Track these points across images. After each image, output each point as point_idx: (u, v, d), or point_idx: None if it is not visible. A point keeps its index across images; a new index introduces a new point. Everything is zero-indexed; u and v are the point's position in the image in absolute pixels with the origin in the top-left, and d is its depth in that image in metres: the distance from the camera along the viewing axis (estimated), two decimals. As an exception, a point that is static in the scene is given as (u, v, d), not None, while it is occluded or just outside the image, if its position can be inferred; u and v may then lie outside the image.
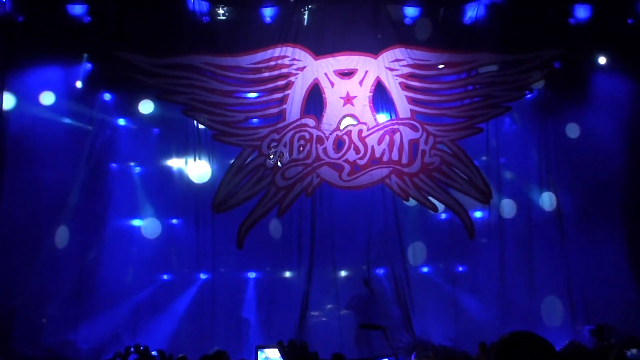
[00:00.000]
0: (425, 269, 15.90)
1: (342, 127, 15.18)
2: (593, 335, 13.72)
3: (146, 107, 15.47)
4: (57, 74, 14.95)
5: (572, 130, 15.70)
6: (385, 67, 15.28)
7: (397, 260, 15.30)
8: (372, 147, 15.16)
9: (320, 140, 15.16)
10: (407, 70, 15.31)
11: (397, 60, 15.29)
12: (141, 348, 12.50)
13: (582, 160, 15.62)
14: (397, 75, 15.29)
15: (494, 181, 15.62)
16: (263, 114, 15.46)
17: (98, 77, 15.26)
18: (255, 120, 15.51)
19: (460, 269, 15.82)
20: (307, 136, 15.19)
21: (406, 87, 15.35)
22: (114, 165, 15.72)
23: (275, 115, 15.34)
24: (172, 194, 15.80)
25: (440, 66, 15.37)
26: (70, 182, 14.87)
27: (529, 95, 15.78)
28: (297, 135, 15.19)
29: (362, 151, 15.14)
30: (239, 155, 15.21)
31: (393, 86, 15.31)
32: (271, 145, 15.14)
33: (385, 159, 15.19)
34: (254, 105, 15.43)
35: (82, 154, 15.08)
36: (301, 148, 15.16)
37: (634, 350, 8.26)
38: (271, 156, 14.95)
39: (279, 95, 15.27)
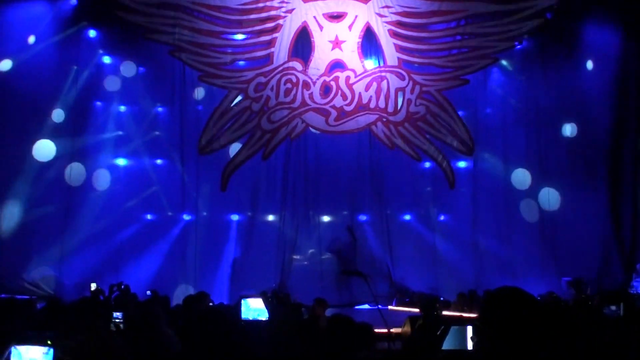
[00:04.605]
0: (407, 217, 16.06)
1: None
2: (570, 286, 13.95)
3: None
4: (41, 10, 14.60)
5: (562, 82, 15.63)
6: (375, 12, 15.12)
7: (379, 207, 15.46)
8: (360, 94, 15.12)
9: (306, 85, 15.07)
10: (395, 17, 15.16)
11: (387, 6, 15.12)
12: (122, 287, 12.59)
13: (570, 111, 15.64)
14: (386, 22, 15.15)
15: (480, 131, 15.66)
16: (250, 56, 15.31)
17: (83, 13, 14.90)
18: (242, 62, 15.38)
19: (442, 217, 15.99)
20: (294, 80, 15.09)
21: (394, 35, 15.22)
22: (98, 103, 15.53)
23: (262, 58, 15.22)
24: (156, 134, 15.74)
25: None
26: (55, 119, 14.69)
27: (518, 46, 15.70)
28: (283, 79, 15.08)
29: (350, 98, 15.10)
30: (225, 97, 15.11)
31: (382, 33, 15.18)
32: (258, 89, 15.05)
33: (372, 105, 15.17)
34: (241, 47, 15.28)
35: (66, 92, 14.84)
36: (288, 92, 15.07)
37: (612, 307, 8.45)
38: None
39: (266, 37, 15.10)
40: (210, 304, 10.51)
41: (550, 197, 15.45)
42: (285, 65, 15.12)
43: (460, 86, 15.52)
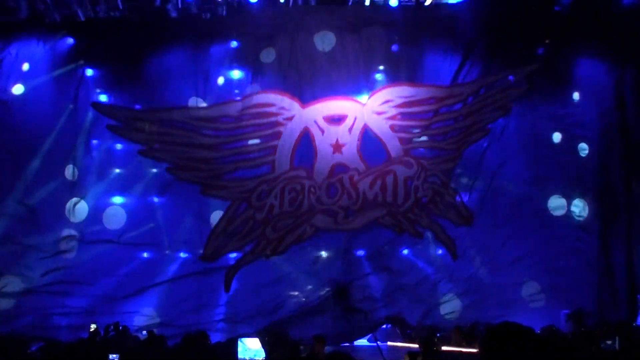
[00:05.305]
0: (405, 251, 15.97)
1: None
2: (569, 319, 13.89)
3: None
4: (37, 47, 14.72)
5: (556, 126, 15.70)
6: (374, 112, 15.25)
7: (376, 241, 15.43)
8: (364, 193, 15.16)
9: (312, 190, 15.09)
10: (396, 110, 15.29)
11: (387, 101, 15.28)
12: (120, 327, 12.54)
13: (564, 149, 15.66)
14: (387, 118, 15.28)
15: (475, 165, 15.66)
16: (252, 164, 15.33)
17: (79, 52, 15.01)
18: (244, 171, 15.35)
19: (440, 251, 15.91)
20: (299, 188, 15.10)
21: (398, 128, 15.31)
22: (95, 142, 15.53)
23: (263, 165, 15.27)
24: (154, 171, 15.70)
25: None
26: (52, 158, 14.73)
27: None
28: (287, 187, 15.10)
29: (354, 197, 15.17)
30: (229, 208, 15.12)
31: (384, 130, 15.30)
32: (261, 197, 15.05)
33: (379, 200, 15.22)
34: (242, 155, 15.31)
35: (63, 130, 14.87)
36: (292, 200, 15.08)
37: (608, 342, 8.47)
38: None
39: (267, 145, 15.18)
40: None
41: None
42: (289, 175, 15.19)
43: (459, 162, 15.63)
